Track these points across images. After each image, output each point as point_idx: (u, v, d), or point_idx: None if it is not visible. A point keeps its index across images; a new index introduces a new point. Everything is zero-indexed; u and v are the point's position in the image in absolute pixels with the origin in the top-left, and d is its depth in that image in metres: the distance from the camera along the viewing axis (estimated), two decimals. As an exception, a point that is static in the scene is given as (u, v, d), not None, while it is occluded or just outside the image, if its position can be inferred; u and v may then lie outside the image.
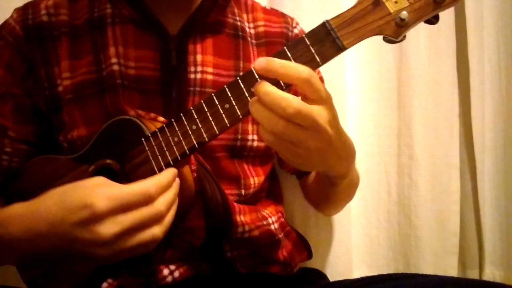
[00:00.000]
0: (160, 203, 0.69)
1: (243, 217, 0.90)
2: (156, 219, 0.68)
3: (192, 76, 0.90)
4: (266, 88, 0.65)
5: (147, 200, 0.67)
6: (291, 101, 0.64)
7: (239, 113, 0.72)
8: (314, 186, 1.06)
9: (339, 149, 0.74)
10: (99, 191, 0.67)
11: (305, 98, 0.66)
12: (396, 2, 0.67)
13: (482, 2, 1.32)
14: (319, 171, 0.85)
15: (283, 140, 0.68)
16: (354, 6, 0.68)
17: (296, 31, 1.05)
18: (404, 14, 0.66)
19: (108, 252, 0.66)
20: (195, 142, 0.75)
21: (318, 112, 0.66)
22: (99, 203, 0.64)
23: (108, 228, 0.64)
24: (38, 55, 0.91)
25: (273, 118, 0.65)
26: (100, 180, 0.70)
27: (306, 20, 1.13)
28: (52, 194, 0.70)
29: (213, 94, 0.73)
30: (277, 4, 1.21)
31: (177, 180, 0.75)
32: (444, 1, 0.66)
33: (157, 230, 0.68)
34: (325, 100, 0.67)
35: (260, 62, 0.65)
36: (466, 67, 1.32)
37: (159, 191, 0.69)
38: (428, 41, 1.29)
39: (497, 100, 1.37)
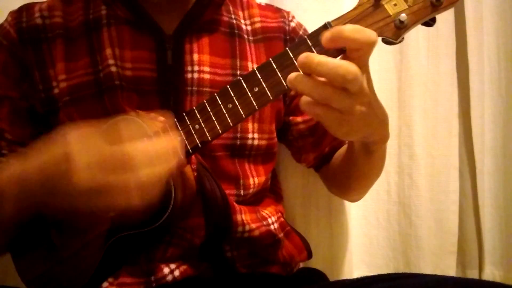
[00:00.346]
0: (144, 174, 0.65)
1: (244, 216, 0.91)
2: (135, 188, 0.65)
3: (189, 75, 0.90)
4: (319, 59, 0.63)
5: (128, 167, 0.65)
6: (349, 67, 0.63)
7: (242, 113, 0.73)
8: (344, 165, 1.02)
9: (377, 111, 0.75)
10: (81, 144, 0.66)
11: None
12: (395, 5, 0.68)
13: (482, 2, 1.33)
14: (361, 139, 0.84)
15: (331, 109, 0.66)
16: (355, 8, 0.70)
17: (293, 24, 1.06)
18: (403, 16, 0.67)
19: (86, 205, 0.66)
20: (198, 141, 0.76)
21: (362, 76, 0.66)
22: (78, 157, 0.64)
23: (84, 181, 0.63)
24: (32, 58, 0.91)
25: (320, 85, 0.64)
26: (86, 131, 0.69)
27: (306, 20, 1.13)
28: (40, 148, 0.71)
29: (216, 94, 0.74)
30: (277, 4, 1.20)
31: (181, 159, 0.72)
32: (441, 3, 0.67)
33: (135, 198, 0.65)
34: (368, 65, 0.69)
35: (325, 37, 0.64)
36: (466, 67, 1.32)
37: (146, 162, 0.65)
38: (427, 42, 1.30)
39: (497, 100, 1.38)
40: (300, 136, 1.07)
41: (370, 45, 0.64)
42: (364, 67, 0.66)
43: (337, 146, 1.07)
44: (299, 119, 1.06)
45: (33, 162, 0.70)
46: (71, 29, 0.93)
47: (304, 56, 0.64)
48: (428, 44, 1.30)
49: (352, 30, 0.63)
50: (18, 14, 0.94)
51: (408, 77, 1.31)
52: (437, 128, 1.31)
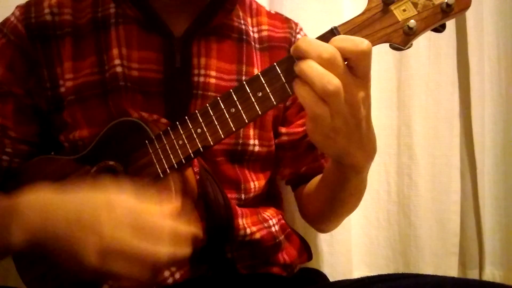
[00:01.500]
0: (164, 252, 0.65)
1: (245, 220, 0.91)
2: (151, 263, 0.66)
3: (195, 79, 0.90)
4: (303, 38, 0.66)
5: (156, 235, 0.65)
6: (326, 46, 0.64)
7: (244, 118, 0.72)
8: (319, 187, 0.98)
9: (364, 137, 0.73)
10: (124, 198, 0.67)
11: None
12: (404, 10, 0.68)
13: (482, 2, 1.34)
14: (336, 155, 0.80)
15: (325, 108, 0.66)
16: (363, 13, 0.69)
17: (299, 36, 1.06)
18: (412, 22, 0.67)
19: (94, 262, 0.64)
20: (200, 146, 0.76)
21: (358, 83, 0.66)
22: (119, 208, 0.65)
23: (111, 238, 0.64)
24: (41, 54, 0.91)
25: (328, 76, 0.64)
26: (121, 199, 0.69)
27: (306, 20, 1.13)
28: (78, 189, 0.71)
29: (218, 98, 0.74)
30: (277, 4, 1.22)
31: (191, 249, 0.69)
32: (452, 10, 0.67)
33: (144, 274, 0.66)
34: (369, 79, 0.67)
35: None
36: (466, 67, 1.33)
37: (172, 238, 0.66)
38: (428, 41, 1.30)
39: (497, 100, 1.39)
40: (281, 147, 1.05)
41: (360, 53, 0.64)
42: (362, 78, 0.66)
43: (316, 169, 1.04)
44: (284, 130, 1.04)
45: (57, 222, 0.69)
46: (79, 27, 0.92)
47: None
48: (428, 43, 1.31)
49: (339, 40, 0.65)
50: (27, 9, 0.93)
51: (407, 77, 1.31)
52: (438, 128, 1.32)
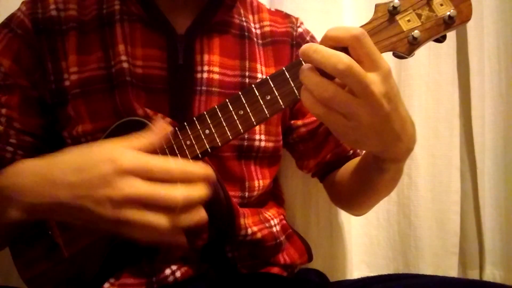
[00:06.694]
0: (179, 192, 0.68)
1: (246, 220, 0.93)
2: (168, 206, 0.68)
3: (199, 75, 0.93)
4: (316, 47, 0.64)
5: (167, 178, 0.68)
6: (342, 57, 0.62)
7: (253, 120, 0.76)
8: (354, 177, 0.99)
9: (398, 129, 0.71)
10: (125, 150, 0.70)
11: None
12: (409, 21, 0.70)
13: (482, 2, 1.36)
14: (372, 151, 0.81)
15: (333, 110, 0.67)
16: (369, 22, 0.71)
17: (300, 30, 1.10)
18: (416, 33, 0.69)
19: (112, 215, 0.67)
20: (208, 146, 0.79)
21: (372, 79, 0.64)
22: (124, 159, 0.68)
23: (123, 187, 0.67)
24: (46, 48, 0.94)
25: (323, 83, 0.65)
26: (126, 141, 0.72)
27: (306, 20, 1.16)
28: (72, 150, 0.74)
29: (227, 100, 0.77)
30: (277, 4, 1.25)
31: (206, 190, 0.71)
32: (454, 22, 0.71)
33: (163, 221, 0.68)
34: (381, 67, 0.65)
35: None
36: (466, 67, 1.35)
37: (182, 178, 0.69)
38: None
39: (497, 100, 1.40)
40: (300, 140, 1.09)
41: (352, 39, 0.64)
42: (375, 69, 0.65)
43: (341, 154, 1.07)
44: (299, 122, 1.08)
45: (61, 168, 0.72)
46: (84, 23, 0.95)
47: (306, 45, 0.66)
48: (428, 43, 1.31)
49: (334, 29, 0.66)
50: (33, 4, 0.96)
51: (407, 77, 1.34)
52: (438, 128, 1.34)
